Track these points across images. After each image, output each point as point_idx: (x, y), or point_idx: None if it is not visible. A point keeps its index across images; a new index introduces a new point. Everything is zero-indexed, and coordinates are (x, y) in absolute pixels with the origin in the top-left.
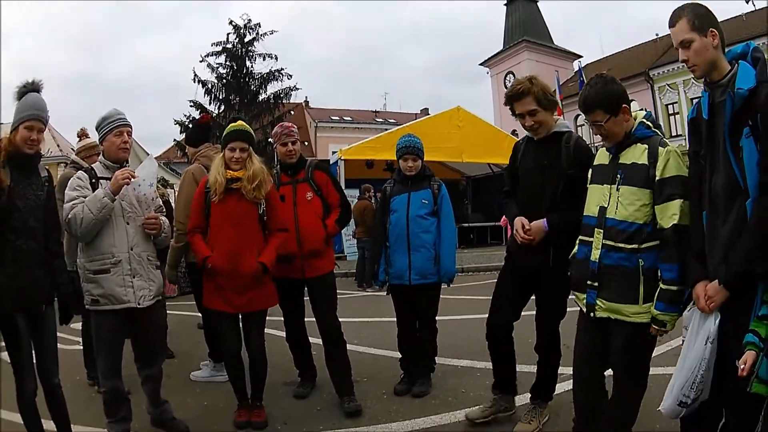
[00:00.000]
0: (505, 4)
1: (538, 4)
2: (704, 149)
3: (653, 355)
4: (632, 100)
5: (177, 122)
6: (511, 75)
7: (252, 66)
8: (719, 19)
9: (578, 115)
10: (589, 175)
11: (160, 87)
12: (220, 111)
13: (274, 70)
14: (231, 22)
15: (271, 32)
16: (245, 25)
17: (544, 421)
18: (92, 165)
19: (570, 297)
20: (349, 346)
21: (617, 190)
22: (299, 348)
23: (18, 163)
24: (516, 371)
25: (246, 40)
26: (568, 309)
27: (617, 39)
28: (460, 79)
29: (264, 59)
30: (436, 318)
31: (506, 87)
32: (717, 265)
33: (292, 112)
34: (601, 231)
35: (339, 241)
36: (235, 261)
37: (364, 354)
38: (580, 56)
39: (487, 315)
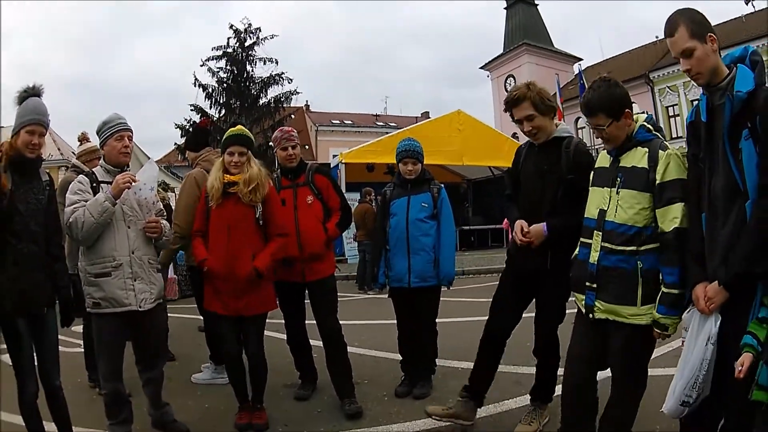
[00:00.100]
0: (505, 8)
1: (538, 7)
2: (703, 152)
3: (653, 356)
4: (633, 103)
5: (178, 126)
6: (511, 78)
7: (252, 70)
8: (719, 21)
9: (578, 118)
10: (591, 178)
11: (160, 90)
12: (221, 115)
13: (275, 74)
14: (231, 27)
15: (272, 36)
16: (246, 29)
17: (544, 422)
18: (93, 169)
19: (570, 299)
20: (350, 349)
21: (617, 193)
22: (300, 351)
23: (19, 168)
24: (491, 383)
25: (246, 44)
26: (566, 312)
27: (617, 41)
28: (460, 82)
29: (264, 63)
30: (437, 320)
31: (507, 90)
32: (717, 267)
33: (293, 116)
34: (600, 233)
35: (340, 244)
36: (231, 264)
37: (365, 356)
38: (581, 59)
39: (487, 317)
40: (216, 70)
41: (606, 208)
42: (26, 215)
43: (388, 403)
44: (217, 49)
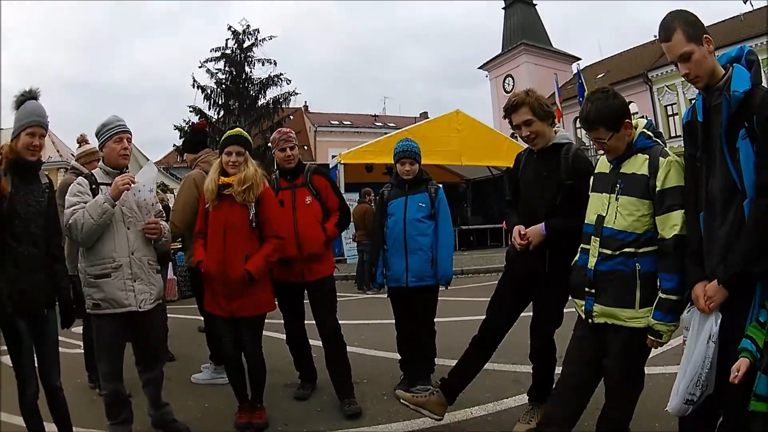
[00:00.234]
0: (504, 8)
1: (537, 7)
2: (700, 151)
3: (652, 354)
4: (630, 102)
5: (176, 127)
6: (510, 78)
7: (251, 71)
8: (717, 20)
9: (576, 118)
10: (591, 183)
11: (159, 91)
12: (220, 116)
13: (273, 75)
14: (230, 28)
15: (270, 37)
16: (244, 31)
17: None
18: (92, 171)
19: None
20: (349, 348)
21: (616, 199)
22: (299, 350)
23: (19, 171)
24: (468, 383)
25: (245, 45)
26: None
27: (616, 41)
28: (459, 82)
29: (263, 64)
30: (436, 320)
31: (505, 90)
32: (715, 266)
33: (291, 117)
34: (598, 239)
35: (339, 244)
36: (225, 266)
37: (365, 356)
38: (579, 59)
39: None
40: (215, 71)
41: (605, 214)
42: (26, 218)
43: (388, 403)
44: (215, 51)
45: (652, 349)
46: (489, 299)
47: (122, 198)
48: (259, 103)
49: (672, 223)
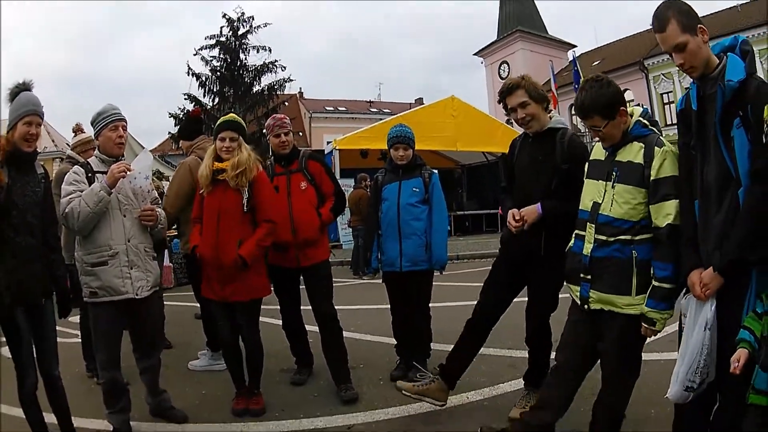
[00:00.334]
0: None
1: None
2: (695, 140)
3: (647, 341)
4: (626, 90)
5: (171, 115)
6: (505, 65)
7: (246, 58)
8: (714, 11)
9: (572, 105)
10: (586, 169)
11: (154, 81)
12: (215, 103)
13: (268, 62)
14: (224, 15)
15: (265, 24)
16: (239, 18)
17: None
18: (88, 160)
19: (565, 293)
20: (345, 333)
21: (612, 187)
22: (296, 336)
23: (15, 162)
24: (466, 368)
25: (240, 32)
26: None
27: (612, 28)
28: (454, 68)
29: (258, 51)
30: (432, 304)
31: (500, 77)
32: (711, 253)
33: (287, 104)
34: (593, 226)
35: (334, 229)
36: (218, 251)
37: (361, 341)
38: (575, 46)
39: None
40: (209, 59)
41: (600, 201)
42: (23, 208)
43: (384, 387)
44: (210, 38)
45: (647, 338)
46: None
47: (118, 186)
48: (254, 90)
49: (666, 212)
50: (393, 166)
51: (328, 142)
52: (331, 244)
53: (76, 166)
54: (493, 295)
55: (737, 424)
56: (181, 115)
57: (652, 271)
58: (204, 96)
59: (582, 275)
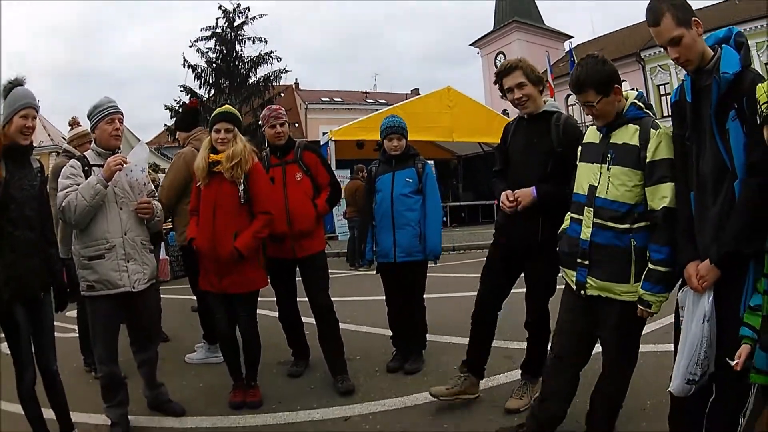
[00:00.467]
0: None
1: None
2: (690, 131)
3: (643, 332)
4: (623, 81)
5: (167, 107)
6: (501, 55)
7: (241, 49)
8: (712, 3)
9: (569, 95)
10: (579, 153)
11: (149, 74)
12: (210, 95)
13: (264, 54)
14: (220, 7)
15: (261, 15)
16: (234, 9)
17: (534, 397)
18: (85, 153)
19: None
20: (341, 325)
21: (608, 170)
22: (292, 328)
23: (12, 155)
24: (488, 356)
25: (235, 24)
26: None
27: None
28: (450, 59)
29: (253, 42)
30: (429, 295)
31: (497, 67)
32: (707, 246)
33: (282, 95)
34: (591, 210)
35: (330, 221)
36: (215, 243)
37: (357, 332)
38: (571, 37)
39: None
40: (205, 50)
41: (596, 185)
42: (21, 202)
43: (380, 378)
44: (206, 30)
45: (644, 328)
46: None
47: (115, 178)
48: (250, 81)
49: (661, 195)
50: (386, 157)
51: (324, 133)
52: (327, 235)
53: (72, 160)
54: (490, 284)
55: (734, 416)
56: (177, 107)
57: (648, 255)
58: (200, 88)
59: (579, 260)
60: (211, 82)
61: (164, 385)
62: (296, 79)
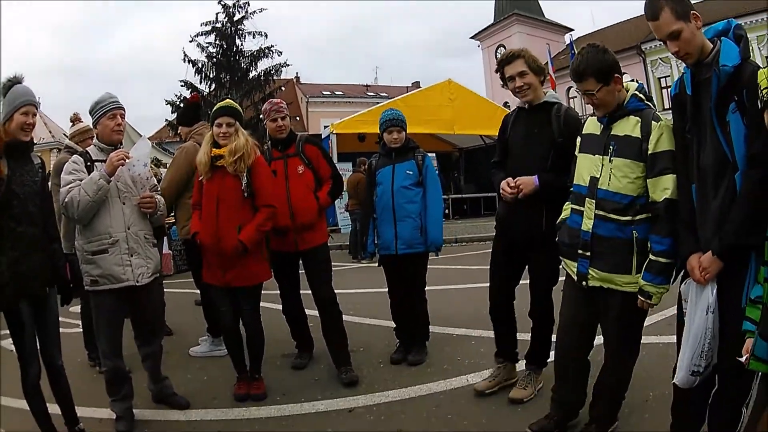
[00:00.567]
0: None
1: None
2: (690, 124)
3: (646, 324)
4: (624, 73)
5: (168, 102)
6: (501, 48)
7: (242, 44)
8: None
9: (570, 88)
10: (578, 143)
11: (149, 69)
12: (211, 90)
13: (264, 48)
14: (220, 2)
15: (261, 10)
16: (234, 4)
17: (538, 387)
18: (87, 149)
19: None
20: (345, 317)
21: (610, 161)
22: (296, 320)
23: (13, 152)
24: (517, 339)
25: (235, 18)
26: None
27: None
28: (451, 52)
29: (254, 37)
30: (431, 287)
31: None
32: (710, 238)
33: (283, 89)
34: (593, 201)
35: (333, 213)
36: (218, 237)
37: (360, 324)
38: (572, 29)
39: (481, 284)
40: (205, 45)
41: (598, 176)
42: (24, 198)
43: (384, 370)
44: (206, 25)
45: (646, 319)
46: (483, 267)
47: (117, 174)
48: (251, 75)
49: (663, 186)
50: (386, 150)
51: (325, 127)
52: (330, 228)
53: (74, 155)
54: (498, 279)
55: (737, 407)
56: (178, 102)
57: (649, 246)
58: (200, 82)
59: (581, 251)
60: (211, 76)
61: (168, 378)
62: (297, 73)
